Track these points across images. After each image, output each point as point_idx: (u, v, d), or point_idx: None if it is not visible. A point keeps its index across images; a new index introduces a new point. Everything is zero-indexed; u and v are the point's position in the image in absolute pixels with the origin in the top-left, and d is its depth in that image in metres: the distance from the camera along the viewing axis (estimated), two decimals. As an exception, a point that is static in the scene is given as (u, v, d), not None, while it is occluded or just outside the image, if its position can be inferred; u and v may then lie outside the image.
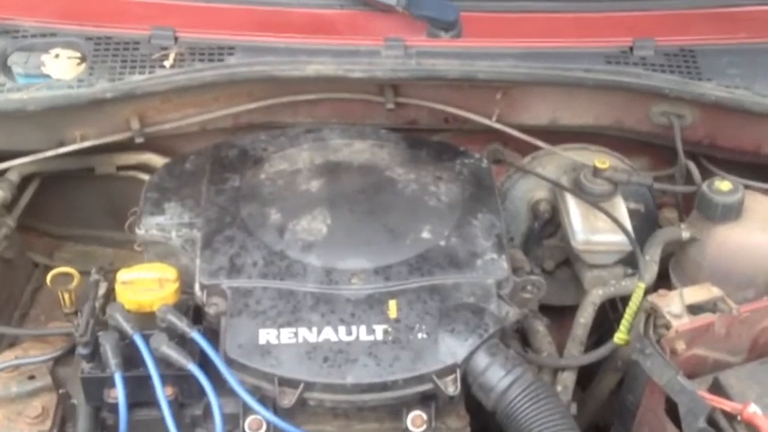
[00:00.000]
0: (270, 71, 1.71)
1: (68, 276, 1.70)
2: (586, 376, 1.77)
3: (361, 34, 1.78)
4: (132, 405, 1.48)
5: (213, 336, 1.48)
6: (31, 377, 1.53)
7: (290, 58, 1.73)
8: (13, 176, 1.81)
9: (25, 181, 1.89)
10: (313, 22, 1.79)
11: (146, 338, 1.44)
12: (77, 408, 1.50)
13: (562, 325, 1.87)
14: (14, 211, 1.87)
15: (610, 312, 1.86)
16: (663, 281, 1.81)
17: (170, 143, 1.91)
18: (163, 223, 1.63)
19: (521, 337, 1.76)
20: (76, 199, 2.02)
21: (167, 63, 1.71)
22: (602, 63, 1.80)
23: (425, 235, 1.59)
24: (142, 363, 1.42)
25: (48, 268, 1.93)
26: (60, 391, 1.52)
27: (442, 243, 1.58)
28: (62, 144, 1.78)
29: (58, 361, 1.58)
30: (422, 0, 1.78)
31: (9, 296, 1.89)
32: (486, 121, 1.86)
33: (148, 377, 1.42)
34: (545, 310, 1.91)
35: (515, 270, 1.79)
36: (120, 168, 1.92)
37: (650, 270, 1.73)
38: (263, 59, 1.72)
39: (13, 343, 1.72)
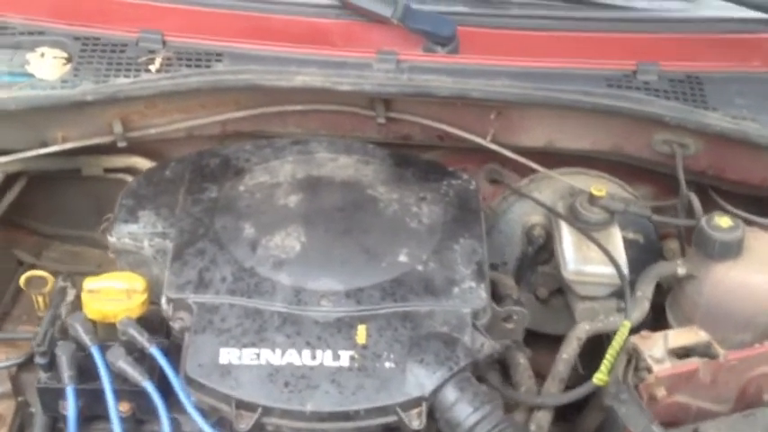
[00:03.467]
0: (256, 80, 1.66)
1: (44, 279, 1.68)
2: (575, 407, 1.70)
3: (355, 46, 1.73)
4: (90, 418, 1.47)
5: (178, 351, 1.44)
6: (-10, 382, 1.51)
7: (278, 68, 1.68)
8: (-4, 175, 1.80)
9: (11, 179, 1.86)
10: (306, 32, 1.75)
11: (104, 351, 1.41)
12: (35, 417, 1.47)
13: (555, 355, 1.80)
14: (-2, 209, 1.85)
15: (606, 343, 1.79)
16: (662, 315, 1.75)
17: (158, 147, 1.87)
18: (135, 232, 1.59)
19: (502, 368, 1.70)
20: (65, 199, 2.00)
21: (153, 67, 1.68)
22: (602, 86, 1.72)
23: (402, 258, 1.53)
24: (98, 376, 1.39)
25: (34, 267, 1.92)
26: (19, 398, 1.49)
27: (420, 268, 1.52)
28: (45, 144, 1.75)
29: (22, 366, 1.55)
30: (418, 13, 1.73)
31: (-10, 295, 1.87)
32: (481, 141, 1.79)
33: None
34: (538, 337, 1.85)
35: (502, 297, 1.73)
36: (107, 171, 1.89)
37: (640, 307, 1.66)
38: (250, 68, 1.68)
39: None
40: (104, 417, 1.42)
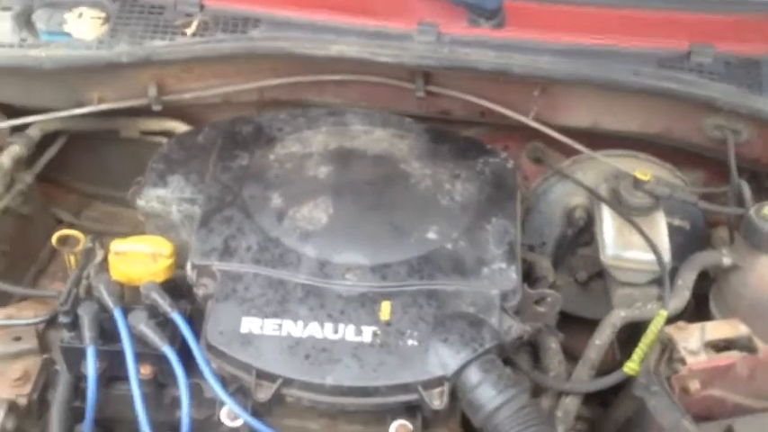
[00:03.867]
0: (291, 48, 1.63)
1: (77, 238, 1.68)
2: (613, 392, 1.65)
3: (396, 16, 1.68)
4: (113, 378, 1.46)
5: (201, 317, 1.43)
6: (17, 338, 1.51)
7: (316, 36, 1.65)
8: (34, 133, 1.80)
9: (50, 137, 1.87)
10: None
11: (127, 314, 1.41)
12: (59, 375, 1.48)
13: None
14: (34, 166, 1.86)
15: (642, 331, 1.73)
16: (705, 305, 1.68)
17: (195, 112, 1.86)
18: (164, 196, 1.58)
19: (533, 350, 1.66)
20: (105, 159, 2.01)
21: (189, 31, 1.66)
22: (653, 66, 1.65)
23: (431, 235, 1.49)
24: (119, 338, 1.39)
25: (72, 226, 1.93)
26: (44, 356, 1.50)
27: (449, 246, 1.48)
28: (81, 104, 1.75)
29: (50, 324, 1.55)
30: (462, -16, 1.67)
31: (26, 252, 1.88)
32: (522, 119, 1.73)
33: (128, 352, 1.39)
34: (576, 321, 1.80)
35: (537, 279, 1.68)
36: (143, 133, 1.89)
37: (680, 296, 1.59)
38: (285, 35, 1.64)
39: (23, 299, 1.71)
40: (127, 378, 1.42)
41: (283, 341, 1.37)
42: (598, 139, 1.80)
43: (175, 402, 1.47)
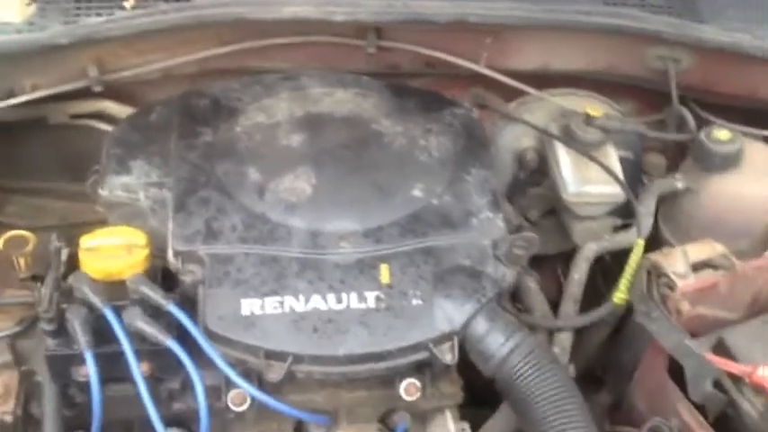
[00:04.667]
0: (242, 13, 1.55)
1: (25, 239, 1.56)
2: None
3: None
4: (103, 381, 1.38)
5: (189, 304, 1.37)
6: (-10, 354, 1.40)
7: (265, -1, 1.57)
8: (-45, 131, 1.65)
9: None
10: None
11: (117, 311, 1.32)
12: (43, 386, 1.38)
13: (544, 274, 1.80)
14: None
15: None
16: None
17: (130, 90, 1.74)
18: (128, 183, 1.49)
19: (511, 293, 1.69)
20: (26, 149, 1.85)
21: (128, 4, 1.55)
22: (599, 4, 1.69)
23: (416, 193, 1.48)
24: (114, 338, 1.31)
25: (-3, 225, 1.78)
26: (22, 368, 1.40)
27: (435, 201, 1.48)
28: (11, 94, 1.60)
29: (18, 334, 1.44)
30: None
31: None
32: (475, 67, 1.73)
33: (121, 353, 1.31)
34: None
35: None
36: (74, 117, 1.76)
37: (645, 224, 1.66)
38: None
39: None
40: (119, 378, 1.35)
41: (287, 318, 1.33)
42: (538, 80, 1.82)
43: (173, 395, 1.41)
